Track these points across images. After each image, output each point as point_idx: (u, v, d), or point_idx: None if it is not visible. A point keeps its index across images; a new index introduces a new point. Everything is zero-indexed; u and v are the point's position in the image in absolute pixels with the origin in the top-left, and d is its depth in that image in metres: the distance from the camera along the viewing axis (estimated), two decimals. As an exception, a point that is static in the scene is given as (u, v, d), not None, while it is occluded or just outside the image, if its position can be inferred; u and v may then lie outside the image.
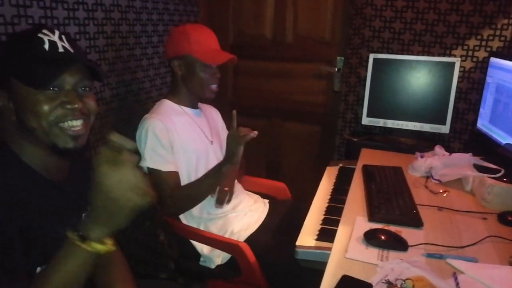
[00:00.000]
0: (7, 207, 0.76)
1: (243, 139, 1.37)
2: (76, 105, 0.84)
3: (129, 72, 1.83)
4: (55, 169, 0.90)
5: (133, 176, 0.70)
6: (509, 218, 1.19)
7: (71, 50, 0.86)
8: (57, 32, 0.85)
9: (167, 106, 1.51)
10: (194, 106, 1.59)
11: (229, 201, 1.46)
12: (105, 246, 0.75)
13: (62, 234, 0.86)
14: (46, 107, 0.81)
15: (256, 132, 1.36)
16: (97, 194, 0.71)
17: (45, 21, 1.33)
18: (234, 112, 1.42)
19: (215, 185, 1.44)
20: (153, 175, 1.41)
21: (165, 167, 1.41)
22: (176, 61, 1.49)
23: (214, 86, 1.52)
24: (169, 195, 1.40)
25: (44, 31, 0.84)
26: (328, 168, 1.79)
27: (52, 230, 0.86)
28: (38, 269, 0.82)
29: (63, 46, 0.85)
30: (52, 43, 0.83)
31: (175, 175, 1.44)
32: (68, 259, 0.75)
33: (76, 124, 0.85)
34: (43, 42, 0.82)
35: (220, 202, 1.44)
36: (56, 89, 0.82)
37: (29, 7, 1.27)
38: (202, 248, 1.46)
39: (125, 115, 1.82)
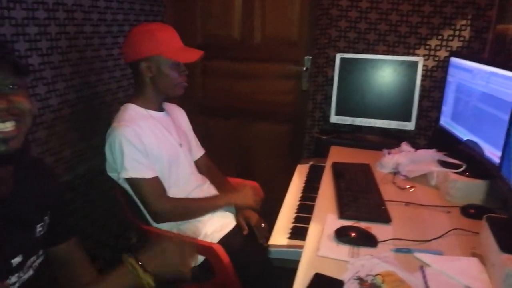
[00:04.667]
0: None
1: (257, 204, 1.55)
2: (0, 106, 0.75)
3: (94, 74, 1.78)
4: None
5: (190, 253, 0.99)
6: (471, 211, 1.24)
7: None
8: None
9: (132, 111, 1.44)
10: (160, 108, 1.54)
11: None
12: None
13: (11, 253, 0.82)
14: None
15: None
16: (167, 244, 0.95)
17: (2, 21, 1.27)
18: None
19: (209, 212, 1.50)
20: (136, 184, 1.37)
21: (148, 174, 1.37)
22: (145, 63, 1.41)
23: (184, 83, 1.49)
24: (158, 202, 1.39)
25: None
26: (299, 166, 1.81)
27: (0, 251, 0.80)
28: None
29: None
30: None
31: (157, 180, 1.41)
32: (116, 279, 0.90)
33: (5, 126, 0.76)
34: None
35: (262, 239, 1.47)
36: None
37: (-16, 7, 1.21)
38: (175, 251, 1.44)
39: (91, 117, 1.77)
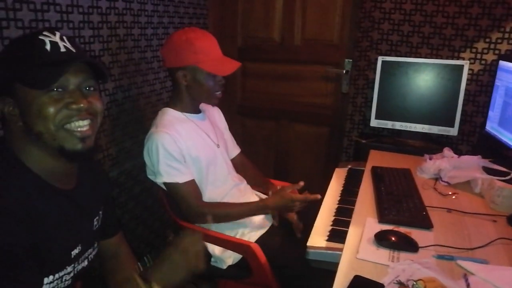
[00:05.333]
0: (16, 221, 0.74)
1: (295, 208, 1.46)
2: (82, 105, 0.82)
3: (140, 75, 1.85)
4: (64, 177, 0.88)
5: (200, 247, 1.01)
6: (519, 221, 1.20)
7: (73, 50, 0.84)
8: (57, 33, 0.84)
9: (170, 116, 1.48)
10: (196, 111, 1.57)
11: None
12: None
13: (73, 244, 0.88)
14: (51, 109, 0.79)
15: (318, 196, 1.42)
16: (172, 251, 0.96)
17: (61, 24, 1.36)
18: (302, 183, 1.48)
19: (245, 217, 1.52)
20: (171, 188, 1.43)
21: (182, 179, 1.42)
22: (181, 72, 1.44)
23: (219, 93, 1.51)
24: (194, 205, 1.43)
25: (45, 32, 0.82)
26: (337, 169, 1.80)
27: (64, 241, 0.85)
28: (45, 279, 0.81)
29: (64, 46, 0.83)
30: (54, 44, 0.81)
31: (193, 183, 1.46)
32: None
33: (83, 124, 0.83)
34: (44, 43, 0.80)
35: (300, 233, 1.51)
36: (60, 89, 0.80)
37: (46, 11, 1.30)
38: (214, 248, 1.48)
39: (136, 116, 1.85)
